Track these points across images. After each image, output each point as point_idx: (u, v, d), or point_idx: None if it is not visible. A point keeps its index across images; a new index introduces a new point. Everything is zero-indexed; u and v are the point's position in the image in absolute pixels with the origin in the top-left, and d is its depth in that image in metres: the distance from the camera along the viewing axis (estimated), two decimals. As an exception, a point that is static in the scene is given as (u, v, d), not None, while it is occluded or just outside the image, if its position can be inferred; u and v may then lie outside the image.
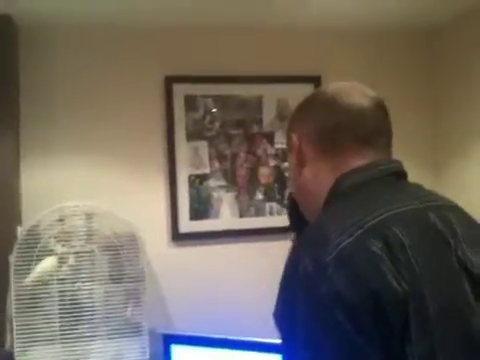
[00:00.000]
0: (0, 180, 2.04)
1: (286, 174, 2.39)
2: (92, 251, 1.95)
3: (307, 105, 0.96)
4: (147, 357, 1.97)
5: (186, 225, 2.31)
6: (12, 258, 1.89)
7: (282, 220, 2.15)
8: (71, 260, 1.93)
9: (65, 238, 1.95)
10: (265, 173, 2.40)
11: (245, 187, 2.38)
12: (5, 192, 2.05)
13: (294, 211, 1.00)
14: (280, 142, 2.39)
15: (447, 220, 0.81)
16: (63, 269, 1.92)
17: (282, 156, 2.40)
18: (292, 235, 1.00)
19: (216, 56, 2.38)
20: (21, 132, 2.18)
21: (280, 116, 2.41)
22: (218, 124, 2.37)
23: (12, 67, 2.13)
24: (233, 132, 2.38)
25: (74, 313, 1.92)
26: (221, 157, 2.36)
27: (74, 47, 2.26)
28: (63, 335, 1.90)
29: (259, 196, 2.39)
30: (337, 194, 0.86)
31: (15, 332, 1.87)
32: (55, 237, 1.93)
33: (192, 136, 2.34)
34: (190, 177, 2.33)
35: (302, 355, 0.71)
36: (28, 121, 2.19)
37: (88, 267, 1.94)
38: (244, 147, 2.39)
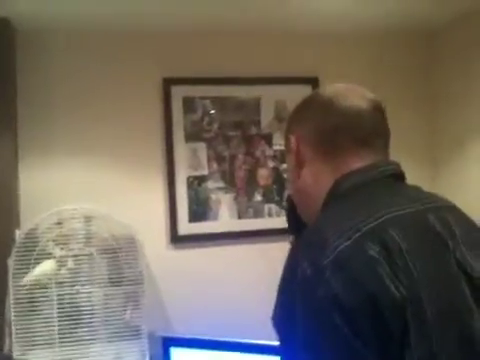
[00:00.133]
0: (-1, 182, 2.04)
1: (284, 176, 2.39)
2: (91, 254, 1.95)
3: (305, 107, 0.96)
4: (146, 360, 1.97)
5: (185, 227, 2.31)
6: (10, 261, 1.88)
7: (281, 222, 2.15)
8: (70, 263, 1.92)
9: (63, 241, 1.94)
10: (263, 175, 2.40)
11: (244, 189, 2.37)
12: (3, 194, 2.05)
13: (292, 213, 1.00)
14: (278, 143, 2.39)
15: (446, 222, 0.81)
16: (62, 272, 1.91)
17: (280, 158, 2.39)
18: (291, 237, 1.00)
19: (214, 58, 2.38)
20: (19, 134, 2.17)
21: (278, 117, 2.41)
22: (216, 126, 2.37)
23: (10, 70, 2.13)
24: (231, 133, 2.38)
25: (73, 316, 1.91)
26: (219, 159, 2.36)
27: (72, 50, 2.26)
28: (62, 338, 1.90)
29: (258, 198, 2.39)
30: (335, 196, 0.86)
31: (14, 335, 1.87)
32: (53, 240, 1.93)
33: (190, 138, 2.34)
34: (188, 179, 2.33)
35: (300, 358, 0.71)
36: (26, 123, 2.19)
37: (87, 270, 1.94)
38: (242, 149, 2.38)
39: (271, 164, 2.40)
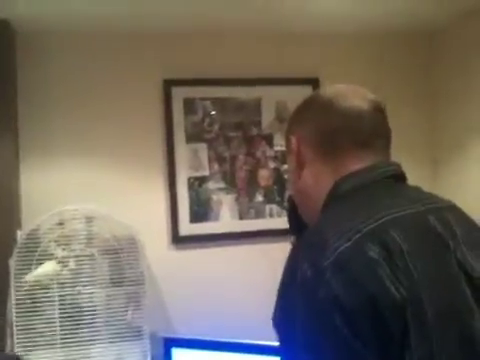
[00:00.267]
0: (0, 182, 2.04)
1: (285, 176, 2.39)
2: (92, 255, 1.95)
3: (305, 107, 0.96)
4: (148, 360, 1.97)
5: (186, 228, 2.31)
6: (12, 262, 1.89)
7: (282, 222, 2.15)
8: (71, 264, 1.93)
9: (65, 242, 1.95)
10: (264, 175, 2.40)
11: (245, 189, 2.38)
12: (4, 195, 2.05)
13: (293, 214, 1.00)
14: (279, 144, 2.39)
15: (447, 222, 0.81)
16: (63, 273, 1.92)
17: (281, 158, 2.40)
18: (292, 238, 1.00)
19: (215, 59, 2.38)
20: (20, 135, 2.18)
21: (279, 118, 2.41)
22: (217, 126, 2.37)
23: (10, 71, 2.13)
24: (232, 134, 2.38)
25: (75, 317, 1.91)
26: (220, 159, 2.36)
27: (72, 51, 2.26)
28: (64, 339, 1.90)
29: (259, 198, 2.39)
30: (336, 197, 0.86)
31: (15, 336, 1.87)
32: (55, 241, 1.93)
33: (191, 138, 2.35)
34: (189, 179, 2.33)
35: (300, 359, 0.71)
36: (27, 124, 2.19)
37: (88, 271, 1.94)
38: (243, 149, 2.39)
39: (272, 165, 2.41)
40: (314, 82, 2.41)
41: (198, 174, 2.34)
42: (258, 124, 2.41)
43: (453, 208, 0.88)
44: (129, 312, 1.97)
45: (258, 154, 2.40)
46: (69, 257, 1.93)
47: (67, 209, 1.97)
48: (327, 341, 0.68)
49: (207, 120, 2.37)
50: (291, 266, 0.75)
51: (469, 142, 2.33)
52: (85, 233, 1.96)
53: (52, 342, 1.89)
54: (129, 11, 2.09)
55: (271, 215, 2.39)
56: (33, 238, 1.92)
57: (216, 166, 2.36)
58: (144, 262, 2.00)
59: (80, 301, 1.93)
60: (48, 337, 1.89)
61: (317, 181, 0.91)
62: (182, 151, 2.33)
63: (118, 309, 1.96)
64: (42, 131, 2.22)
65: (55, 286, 1.91)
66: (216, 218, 2.34)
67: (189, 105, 2.35)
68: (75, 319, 1.91)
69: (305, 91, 2.04)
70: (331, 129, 0.90)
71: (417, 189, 0.90)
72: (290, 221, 1.03)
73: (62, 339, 1.90)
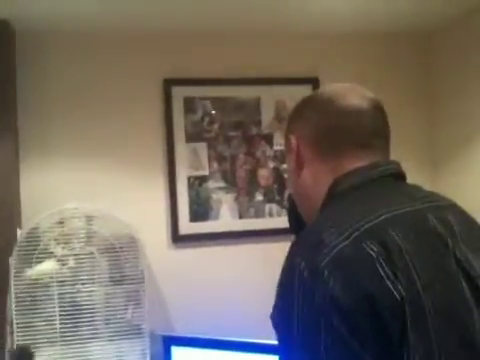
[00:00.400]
0: (0, 181, 2.04)
1: (285, 176, 2.39)
2: (92, 253, 1.96)
3: (304, 106, 0.96)
4: (147, 359, 1.97)
5: (186, 227, 2.31)
6: (12, 260, 1.89)
7: (282, 221, 2.16)
8: (71, 262, 1.93)
9: (65, 240, 1.95)
10: (264, 175, 2.40)
11: (244, 188, 2.38)
12: (4, 193, 2.05)
13: (293, 213, 1.00)
14: (279, 144, 2.40)
15: (446, 221, 0.81)
16: (63, 271, 1.92)
17: (281, 158, 2.40)
18: (293, 236, 1.00)
19: (214, 58, 2.38)
20: (20, 134, 2.18)
21: (278, 118, 2.41)
22: (217, 126, 2.37)
23: (10, 71, 2.13)
24: (232, 134, 2.38)
25: (74, 315, 1.92)
26: (220, 158, 2.37)
27: (72, 51, 2.26)
28: (63, 337, 1.91)
29: (259, 197, 2.39)
30: (335, 196, 0.86)
31: (15, 334, 1.87)
32: (55, 239, 1.93)
33: (191, 138, 2.35)
34: (189, 179, 2.34)
35: (298, 358, 0.71)
36: (27, 124, 2.19)
37: (88, 269, 1.95)
38: (243, 149, 2.39)
39: (272, 164, 2.41)
40: (314, 81, 2.42)
41: (198, 173, 2.35)
42: (258, 123, 2.41)
43: (453, 207, 0.88)
44: (129, 310, 1.97)
45: (258, 153, 2.40)
46: (69, 255, 1.94)
47: (67, 208, 1.98)
48: (325, 341, 0.68)
49: (207, 119, 2.37)
50: (289, 264, 0.75)
51: (469, 142, 2.33)
52: (85, 232, 1.97)
53: (52, 340, 1.90)
54: (129, 11, 2.09)
55: (271, 214, 2.39)
56: (33, 236, 1.92)
57: (216, 165, 2.36)
58: (144, 261, 2.00)
59: (80, 299, 1.93)
60: (48, 335, 1.89)
61: (316, 180, 0.90)
62: (182, 150, 2.33)
63: (118, 307, 1.97)
64: (42, 130, 2.22)
65: (55, 284, 1.91)
66: (216, 217, 2.34)
67: (189, 104, 2.35)
68: (75, 317, 1.92)
69: (305, 91, 2.05)
70: (330, 128, 0.90)
71: (417, 187, 0.90)
72: (290, 220, 1.03)
73: (62, 337, 1.90)
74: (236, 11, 2.16)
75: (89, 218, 1.99)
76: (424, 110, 2.57)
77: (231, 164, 2.37)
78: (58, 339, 1.90)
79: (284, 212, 2.34)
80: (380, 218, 0.76)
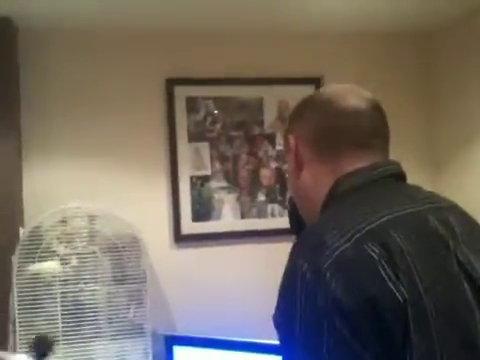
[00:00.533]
0: (2, 181, 2.05)
1: (287, 176, 2.39)
2: (94, 252, 1.96)
3: (304, 107, 0.96)
4: (149, 358, 1.97)
5: (188, 227, 2.32)
6: (14, 259, 1.89)
7: (284, 222, 2.16)
8: (73, 261, 1.94)
9: (67, 239, 1.95)
10: (266, 175, 2.40)
11: (247, 188, 2.38)
12: (7, 193, 2.05)
13: (294, 215, 1.00)
14: (281, 144, 2.39)
15: (447, 222, 0.81)
16: (65, 270, 1.92)
17: (283, 158, 2.40)
18: (294, 237, 1.00)
19: (217, 58, 2.38)
20: (22, 133, 2.18)
21: (281, 118, 2.41)
22: (219, 125, 2.38)
23: (12, 68, 2.13)
24: (234, 133, 2.38)
25: (76, 314, 1.92)
26: (222, 158, 2.37)
27: (75, 50, 2.27)
28: (65, 336, 1.91)
29: (261, 197, 2.39)
30: (336, 197, 0.85)
31: (17, 333, 1.88)
32: (57, 238, 1.94)
33: (193, 138, 2.35)
34: (192, 178, 2.34)
35: (300, 359, 0.71)
36: (29, 122, 2.20)
37: (90, 268, 1.95)
38: (245, 149, 2.39)
39: (274, 164, 2.41)
40: (316, 82, 2.42)
41: (200, 173, 2.35)
42: (260, 123, 2.41)
43: (454, 208, 0.88)
44: (131, 310, 1.98)
45: (260, 153, 2.40)
46: (71, 254, 1.94)
47: (69, 207, 1.98)
48: (327, 342, 0.67)
49: (209, 119, 2.37)
50: (291, 266, 0.75)
51: (470, 143, 2.33)
52: (87, 231, 1.97)
53: (54, 339, 1.90)
54: (132, 10, 2.09)
55: (273, 214, 2.39)
56: (35, 235, 1.93)
57: (218, 165, 2.36)
58: (146, 260, 2.01)
59: (82, 298, 1.94)
60: (50, 334, 1.90)
61: (316, 181, 0.90)
62: (184, 150, 2.34)
63: (120, 307, 1.97)
64: (44, 129, 2.22)
65: (57, 283, 1.91)
66: (218, 217, 2.35)
67: (191, 104, 2.36)
68: (77, 316, 1.92)
69: (307, 90, 2.03)
70: (329, 129, 0.90)
71: (417, 188, 0.90)
72: (291, 222, 1.03)
73: (64, 336, 1.91)
74: (239, 11, 2.16)
75: (92, 217, 1.99)
76: (425, 110, 2.57)
77: (233, 164, 2.37)
78: (60, 338, 1.90)
79: (286, 212, 2.34)
80: (382, 220, 0.75)
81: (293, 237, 1.00)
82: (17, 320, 1.88)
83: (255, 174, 2.39)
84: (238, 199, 2.37)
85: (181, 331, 2.17)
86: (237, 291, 2.31)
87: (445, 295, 0.73)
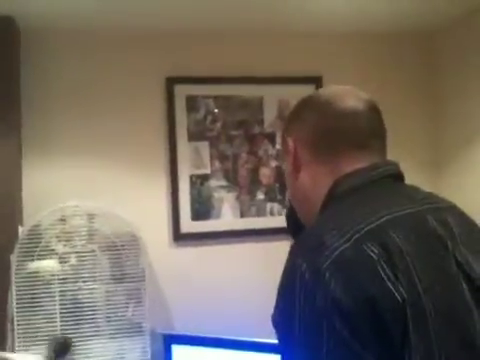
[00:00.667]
0: (2, 180, 2.05)
1: (285, 177, 2.39)
2: (93, 251, 1.96)
3: (302, 108, 0.96)
4: (148, 357, 1.97)
5: (187, 225, 2.32)
6: (13, 257, 1.89)
7: (283, 220, 2.15)
8: (72, 260, 1.93)
9: (66, 238, 1.95)
10: (266, 173, 2.40)
11: (246, 187, 2.38)
12: (7, 192, 2.05)
13: (292, 217, 1.00)
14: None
15: (446, 223, 0.81)
16: (64, 269, 1.92)
17: (283, 157, 2.39)
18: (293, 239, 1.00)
19: (217, 57, 2.38)
20: (22, 132, 2.18)
21: (281, 117, 2.41)
22: (219, 124, 2.37)
23: (13, 68, 2.13)
24: (234, 132, 2.38)
25: (75, 313, 1.92)
26: (222, 157, 2.37)
27: (75, 49, 2.27)
28: (64, 335, 1.91)
29: (260, 196, 2.39)
30: (334, 197, 0.85)
31: (16, 332, 1.87)
32: (57, 237, 1.94)
33: (193, 136, 2.35)
34: (191, 177, 2.34)
35: (299, 359, 0.71)
36: (29, 121, 2.20)
37: (89, 267, 1.95)
38: (245, 147, 2.39)
39: (274, 163, 2.41)
40: (317, 81, 2.41)
41: (200, 172, 2.35)
42: (260, 122, 2.41)
43: (452, 208, 0.88)
44: (129, 308, 1.98)
45: (260, 152, 2.40)
46: (70, 253, 1.94)
47: (68, 205, 1.98)
48: (327, 342, 0.68)
49: (209, 118, 2.37)
50: (290, 266, 0.75)
51: (471, 143, 2.32)
52: (86, 229, 1.97)
53: (52, 337, 1.90)
54: (131, 9, 2.09)
55: (272, 213, 2.39)
56: (34, 234, 1.93)
57: (218, 164, 2.36)
58: (145, 259, 2.01)
59: (81, 297, 1.94)
60: (49, 332, 1.90)
61: (315, 182, 0.90)
62: (184, 149, 2.33)
63: (118, 305, 1.97)
64: (45, 128, 2.22)
65: (56, 282, 1.91)
66: (217, 216, 2.35)
67: (191, 103, 2.35)
68: (75, 315, 1.92)
69: (307, 90, 2.03)
70: (328, 130, 0.90)
71: (416, 189, 0.90)
72: (289, 225, 1.03)
73: (62, 335, 1.90)
74: (239, 10, 2.16)
75: (91, 216, 1.99)
76: (426, 110, 2.57)
77: (233, 163, 2.37)
78: (58, 336, 1.90)
79: (285, 211, 2.34)
80: (381, 220, 0.76)
81: (291, 237, 1.00)
82: (15, 319, 1.88)
83: (255, 173, 2.39)
84: (237, 198, 2.37)
85: (180, 330, 2.17)
86: (236, 290, 2.31)
87: (444, 295, 0.73)
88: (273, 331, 0.75)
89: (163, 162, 2.32)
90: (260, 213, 2.38)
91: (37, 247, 1.92)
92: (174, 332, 2.07)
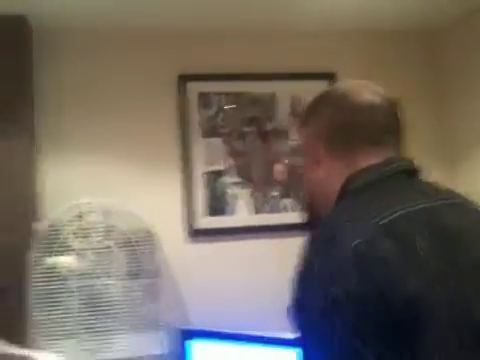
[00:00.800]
0: (17, 177, 2.07)
1: (300, 171, 2.39)
2: (109, 247, 1.98)
3: (319, 102, 0.97)
4: (164, 352, 1.99)
5: (202, 221, 2.33)
6: (31, 253, 1.92)
7: (297, 216, 2.16)
8: (89, 256, 1.96)
9: (83, 234, 1.97)
10: (279, 170, 2.41)
11: (260, 184, 2.39)
12: (23, 188, 2.07)
13: (309, 210, 1.01)
14: (294, 139, 2.40)
15: (460, 218, 0.81)
16: (81, 265, 1.95)
17: (296, 153, 2.40)
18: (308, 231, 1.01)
19: (229, 54, 2.39)
20: (36, 130, 2.20)
21: (294, 113, 2.41)
22: (232, 121, 2.38)
23: (26, 67, 2.14)
24: (247, 129, 2.39)
25: (92, 308, 1.94)
26: (235, 154, 2.37)
27: (88, 47, 2.29)
28: (81, 330, 1.93)
29: (274, 193, 2.40)
30: (349, 192, 0.86)
31: (34, 327, 1.90)
32: (74, 233, 1.96)
33: (206, 133, 2.36)
34: (205, 174, 2.35)
35: (313, 349, 0.72)
36: (44, 119, 2.22)
37: (106, 263, 1.97)
38: (258, 144, 2.39)
39: (287, 159, 2.41)
40: (329, 77, 2.41)
41: (213, 168, 2.36)
42: (273, 119, 2.41)
43: (468, 203, 0.88)
44: (146, 304, 2.00)
45: (273, 149, 2.41)
46: (87, 249, 1.96)
47: (84, 202, 2.00)
48: (338, 334, 0.69)
49: (222, 115, 2.38)
50: (305, 259, 0.76)
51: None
52: (103, 226, 1.99)
53: (70, 333, 1.92)
54: (144, 8, 2.10)
55: (286, 209, 2.40)
56: (52, 230, 1.95)
57: (231, 160, 2.37)
58: (160, 255, 2.03)
59: (97, 293, 1.96)
60: (66, 328, 1.92)
61: (330, 176, 0.91)
62: (197, 146, 2.35)
63: (135, 301, 1.99)
64: (58, 126, 2.24)
65: (73, 277, 1.94)
66: (232, 212, 2.36)
67: (204, 100, 2.36)
68: (93, 310, 1.94)
69: (320, 86, 2.04)
70: (344, 124, 0.90)
71: (429, 184, 0.90)
72: (306, 216, 1.04)
73: (80, 330, 1.93)
74: (250, 8, 2.17)
75: (107, 212, 2.01)
76: (438, 108, 2.55)
77: (246, 159, 2.38)
78: (76, 332, 1.93)
79: (299, 207, 2.35)
80: (395, 215, 0.76)
81: (306, 232, 1.01)
82: (34, 314, 1.90)
83: (268, 169, 2.40)
84: (252, 194, 2.37)
85: (195, 325, 2.18)
86: (251, 285, 2.32)
87: (458, 290, 0.74)
88: (288, 326, 0.76)
89: (177, 159, 2.34)
90: (274, 209, 2.39)
91: (54, 244, 1.94)
92: (190, 327, 2.09)
